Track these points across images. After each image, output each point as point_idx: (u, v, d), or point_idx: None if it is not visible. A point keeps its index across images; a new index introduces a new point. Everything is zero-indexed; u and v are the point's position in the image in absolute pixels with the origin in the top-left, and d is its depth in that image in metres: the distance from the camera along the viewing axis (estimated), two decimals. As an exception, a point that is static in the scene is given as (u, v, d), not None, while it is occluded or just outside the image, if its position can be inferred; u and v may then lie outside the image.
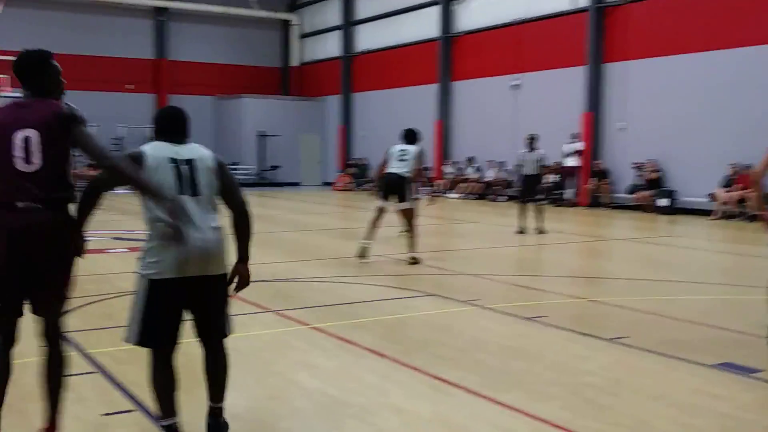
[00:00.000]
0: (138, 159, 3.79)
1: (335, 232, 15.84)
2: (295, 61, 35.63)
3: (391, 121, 29.96)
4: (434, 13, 27.62)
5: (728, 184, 18.17)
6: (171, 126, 4.00)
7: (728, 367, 5.63)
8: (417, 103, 28.36)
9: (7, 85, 23.48)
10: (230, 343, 6.33)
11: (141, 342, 3.87)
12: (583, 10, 22.12)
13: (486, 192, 25.00)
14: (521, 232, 14.47)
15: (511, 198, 23.16)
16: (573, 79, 22.28)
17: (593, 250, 13.61)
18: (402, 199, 10.72)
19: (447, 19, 27.19)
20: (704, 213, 18.63)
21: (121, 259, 10.86)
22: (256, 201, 24.46)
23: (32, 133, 3.67)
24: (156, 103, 32.91)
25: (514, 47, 24.45)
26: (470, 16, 26.55)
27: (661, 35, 20.24)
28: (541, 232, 14.43)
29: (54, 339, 4.02)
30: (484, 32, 25.84)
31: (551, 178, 22.30)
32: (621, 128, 21.42)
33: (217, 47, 33.92)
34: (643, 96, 20.72)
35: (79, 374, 5.27)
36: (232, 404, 4.85)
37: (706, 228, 16.63)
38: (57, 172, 3.72)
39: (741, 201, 17.74)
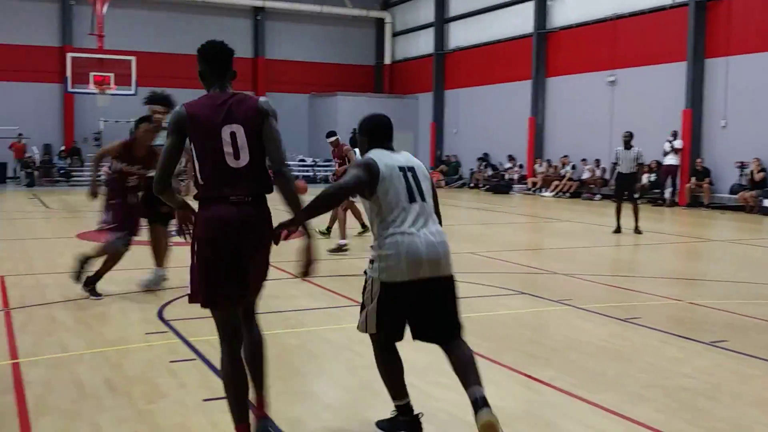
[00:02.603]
0: (372, 168, 3.89)
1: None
2: (388, 59, 35.84)
3: (483, 118, 29.82)
4: (528, 9, 27.30)
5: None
6: (386, 133, 4.11)
7: (836, 375, 5.40)
8: (510, 100, 28.11)
9: (112, 84, 24.47)
10: (322, 334, 6.49)
11: (381, 332, 4.00)
12: (682, 5, 21.44)
13: (580, 190, 24.57)
14: (617, 231, 14.17)
15: (606, 197, 22.69)
16: (672, 75, 21.62)
17: (692, 251, 13.20)
18: None
19: (542, 14, 26.83)
20: (813, 215, 17.78)
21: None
22: (348, 197, 24.82)
23: (238, 129, 3.75)
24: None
25: (611, 43, 23.92)
26: (565, 12, 26.12)
27: (764, 30, 19.41)
28: (637, 231, 14.09)
29: (254, 320, 4.11)
30: (580, 28, 25.38)
31: (648, 176, 21.74)
32: (723, 126, 20.68)
33: (312, 46, 34.46)
34: (747, 92, 19.93)
35: (181, 361, 5.50)
36: (323, 392, 4.97)
37: (814, 230, 15.87)
38: (261, 166, 3.80)
39: None
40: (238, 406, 3.79)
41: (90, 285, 7.61)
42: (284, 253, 10.45)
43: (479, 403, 3.77)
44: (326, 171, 32.32)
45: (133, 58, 25.30)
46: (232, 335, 3.85)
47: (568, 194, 24.80)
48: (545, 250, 12.80)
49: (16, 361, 5.45)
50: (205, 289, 3.76)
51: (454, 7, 31.76)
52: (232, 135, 3.72)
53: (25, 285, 8.36)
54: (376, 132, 4.11)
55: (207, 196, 3.73)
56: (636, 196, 14.75)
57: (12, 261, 10.07)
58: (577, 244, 13.35)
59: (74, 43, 28.98)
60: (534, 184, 26.35)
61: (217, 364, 5.35)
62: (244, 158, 3.71)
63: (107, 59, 24.91)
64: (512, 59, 28.16)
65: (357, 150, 11.06)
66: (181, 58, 30.89)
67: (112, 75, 24.50)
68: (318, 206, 3.83)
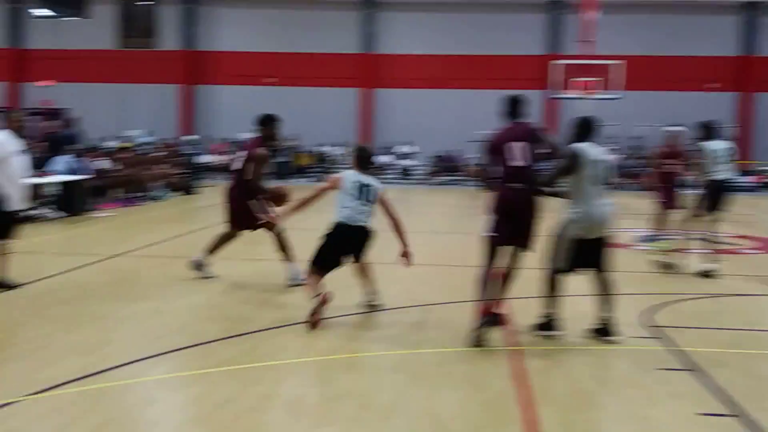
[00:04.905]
0: (580, 155, 5.93)
1: None
2: None
3: None
4: None
5: None
6: (589, 131, 6.11)
7: None
8: None
9: (598, 87, 24.96)
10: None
11: (565, 269, 6.03)
12: None
13: None
14: None
15: None
16: None
17: None
18: None
19: None
20: None
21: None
22: None
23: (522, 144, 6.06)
24: (738, 102, 31.42)
25: None
26: None
27: None
28: None
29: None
30: None
31: None
32: None
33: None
34: None
35: (673, 369, 5.40)
36: None
37: None
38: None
39: None
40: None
41: None
42: None
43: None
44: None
45: (620, 62, 25.46)
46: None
47: None
48: None
49: (515, 348, 5.90)
50: None
51: None
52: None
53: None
54: (583, 129, 6.11)
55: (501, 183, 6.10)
56: None
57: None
58: None
59: (561, 50, 30.30)
60: None
61: (713, 378, 5.14)
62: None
63: (594, 64, 25.49)
64: None
65: None
66: (670, 60, 30.25)
67: (597, 80, 25.04)
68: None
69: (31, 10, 32.37)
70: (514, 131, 6.20)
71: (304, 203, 6.91)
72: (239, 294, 7.61)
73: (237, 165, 8.12)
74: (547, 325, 6.19)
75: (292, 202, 7.36)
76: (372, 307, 7.00)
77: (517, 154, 6.02)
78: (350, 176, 6.70)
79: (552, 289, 6.15)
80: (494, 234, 6.11)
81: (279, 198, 8.01)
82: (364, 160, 6.89)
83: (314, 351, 5.71)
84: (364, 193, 6.64)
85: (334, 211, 6.67)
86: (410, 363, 5.49)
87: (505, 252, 6.16)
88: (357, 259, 6.82)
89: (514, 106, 6.33)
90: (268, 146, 8.15)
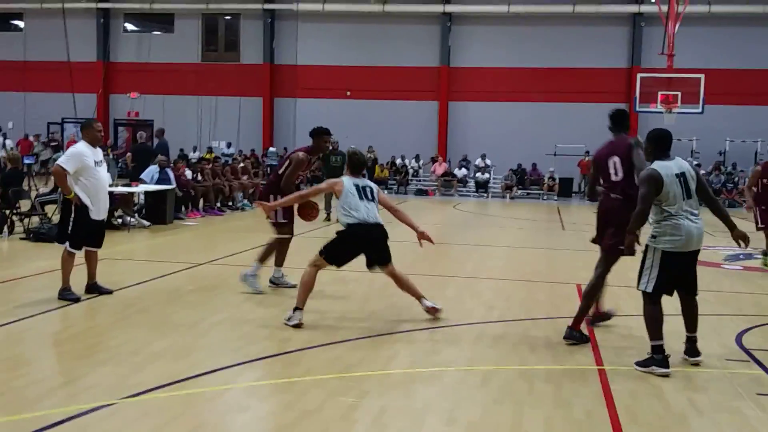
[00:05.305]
0: (658, 178, 5.64)
1: None
2: None
3: None
4: None
5: None
6: (667, 146, 5.84)
7: None
8: None
9: (680, 101, 24.36)
10: None
11: (657, 290, 5.73)
12: None
13: None
14: None
15: None
16: None
17: None
18: None
19: None
20: None
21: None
22: None
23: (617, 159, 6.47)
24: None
25: None
26: None
27: None
28: None
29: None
30: None
31: None
32: None
33: None
34: None
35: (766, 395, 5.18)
36: None
37: None
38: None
39: None
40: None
41: None
42: None
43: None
44: None
45: (701, 76, 24.85)
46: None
47: None
48: None
49: (601, 367, 5.78)
50: None
51: None
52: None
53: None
54: (659, 143, 5.83)
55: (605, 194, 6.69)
56: None
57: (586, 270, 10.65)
58: None
59: (642, 63, 29.65)
60: None
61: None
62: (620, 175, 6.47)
63: (675, 78, 24.91)
64: None
65: None
66: (753, 73, 29.32)
67: (679, 93, 24.42)
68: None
69: (125, 24, 33.70)
70: (614, 146, 6.59)
71: (298, 199, 7.48)
72: (320, 304, 7.67)
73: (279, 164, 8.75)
74: (654, 360, 5.63)
75: (287, 196, 7.68)
76: (433, 315, 7.13)
77: (617, 168, 6.45)
78: (348, 181, 7.06)
79: (653, 319, 5.75)
80: (597, 240, 6.69)
81: (307, 207, 7.87)
82: (356, 165, 7.19)
83: (396, 363, 5.71)
84: (365, 193, 6.99)
85: (342, 217, 6.95)
86: (493, 379, 5.44)
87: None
88: (380, 262, 7.03)
89: (615, 121, 6.64)
90: (315, 155, 8.71)
